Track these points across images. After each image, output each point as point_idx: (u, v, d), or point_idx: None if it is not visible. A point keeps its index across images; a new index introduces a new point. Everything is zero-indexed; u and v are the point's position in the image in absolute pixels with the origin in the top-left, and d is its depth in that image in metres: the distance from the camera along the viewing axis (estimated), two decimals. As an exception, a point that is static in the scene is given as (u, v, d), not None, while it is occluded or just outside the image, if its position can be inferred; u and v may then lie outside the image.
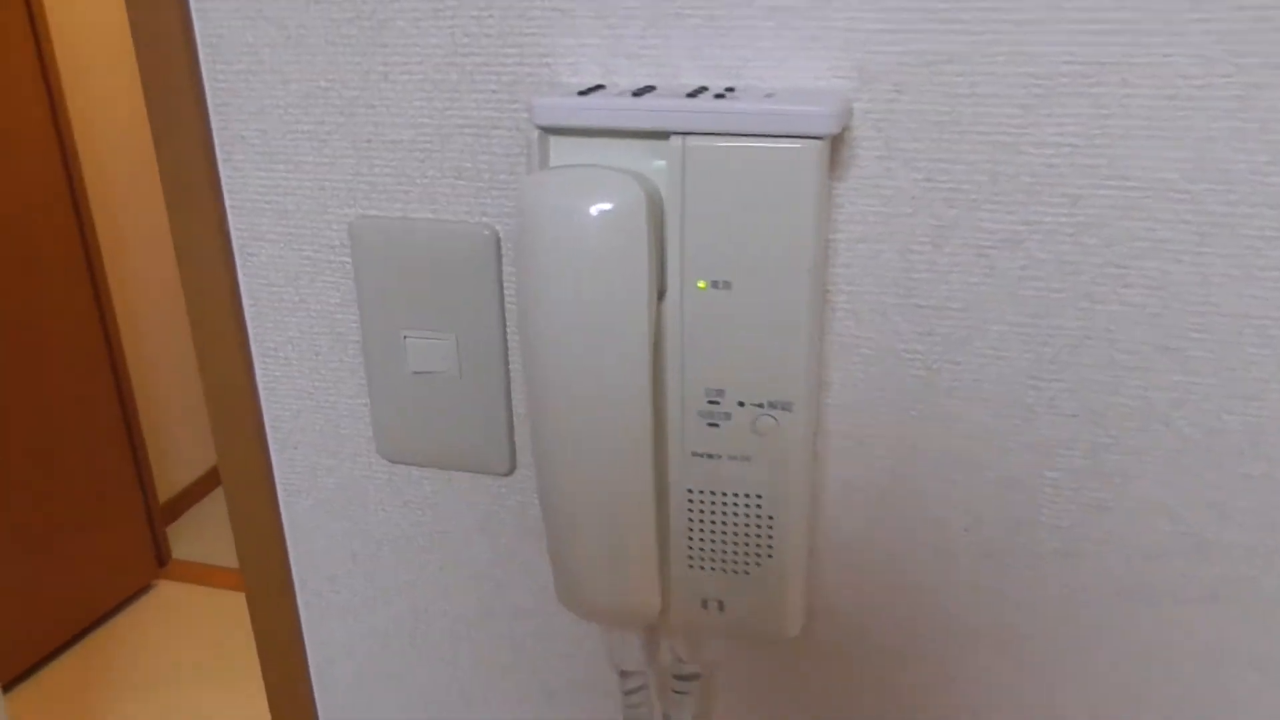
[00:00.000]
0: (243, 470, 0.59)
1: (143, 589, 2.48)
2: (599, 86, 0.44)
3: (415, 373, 0.52)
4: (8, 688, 2.12)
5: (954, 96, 0.41)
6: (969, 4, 0.39)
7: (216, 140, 0.52)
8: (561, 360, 0.42)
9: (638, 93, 0.42)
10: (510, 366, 0.51)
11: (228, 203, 0.53)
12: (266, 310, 0.55)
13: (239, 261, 0.55)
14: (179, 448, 2.79)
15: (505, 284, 0.50)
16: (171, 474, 2.77)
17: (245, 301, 0.55)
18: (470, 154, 0.48)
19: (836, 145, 0.42)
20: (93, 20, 2.41)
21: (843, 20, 0.41)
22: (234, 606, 2.42)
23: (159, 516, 2.54)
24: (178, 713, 2.11)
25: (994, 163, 0.41)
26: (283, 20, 0.49)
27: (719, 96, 0.40)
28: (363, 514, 0.58)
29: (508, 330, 0.50)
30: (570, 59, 0.45)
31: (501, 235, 0.49)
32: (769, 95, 0.40)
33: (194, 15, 0.50)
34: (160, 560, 2.55)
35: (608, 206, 0.40)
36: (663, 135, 0.41)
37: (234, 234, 0.54)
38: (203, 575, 2.55)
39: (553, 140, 0.43)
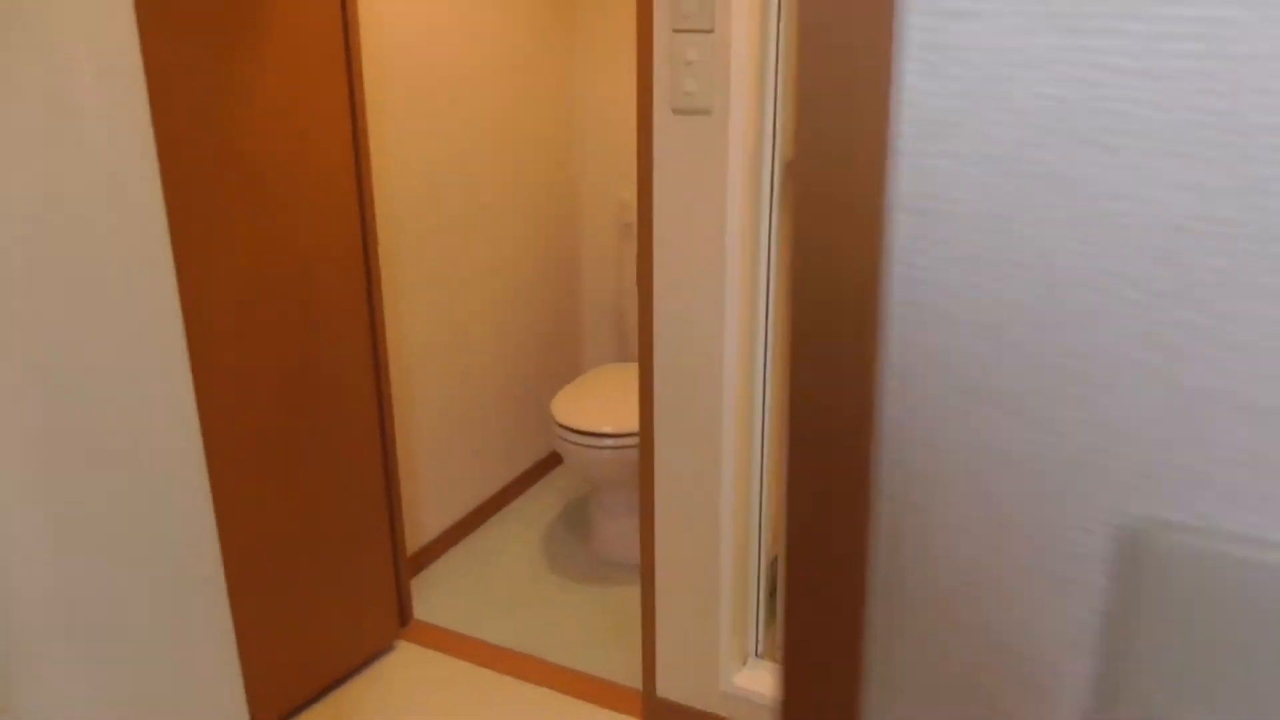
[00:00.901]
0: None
1: (384, 649, 2.42)
2: None
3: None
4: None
5: None
6: None
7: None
8: None
9: None
10: None
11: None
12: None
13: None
14: (425, 502, 2.75)
15: None
16: (417, 530, 2.74)
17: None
18: None
19: None
20: (397, 48, 2.42)
21: None
22: (472, 680, 2.34)
23: (405, 572, 2.49)
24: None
25: None
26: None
27: None
28: None
29: None
30: None
31: None
32: None
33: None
34: (403, 619, 2.49)
35: None
36: None
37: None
38: (443, 641, 2.49)
39: None
